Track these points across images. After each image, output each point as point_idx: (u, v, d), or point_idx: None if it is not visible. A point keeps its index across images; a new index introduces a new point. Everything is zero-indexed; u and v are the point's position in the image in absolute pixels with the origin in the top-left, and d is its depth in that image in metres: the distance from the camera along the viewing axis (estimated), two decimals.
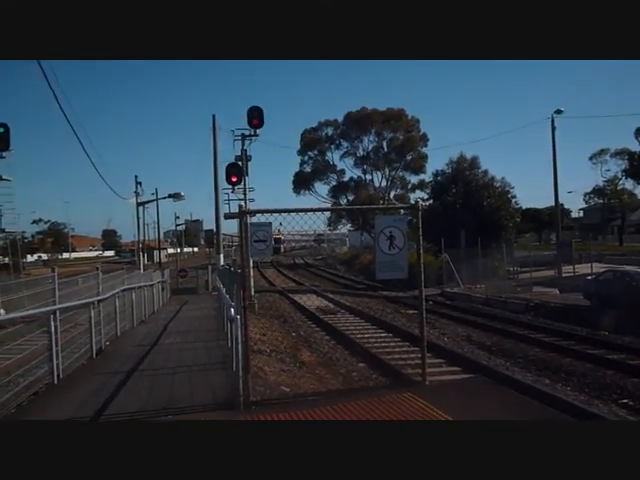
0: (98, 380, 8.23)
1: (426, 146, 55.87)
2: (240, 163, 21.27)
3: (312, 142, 58.26)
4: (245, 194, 21.01)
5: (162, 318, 17.63)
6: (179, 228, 71.69)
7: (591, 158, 59.56)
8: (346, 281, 38.00)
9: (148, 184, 38.22)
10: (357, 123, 55.31)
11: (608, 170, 58.47)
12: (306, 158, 59.27)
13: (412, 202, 43.83)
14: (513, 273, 28.07)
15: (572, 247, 29.82)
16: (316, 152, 58.93)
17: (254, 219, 6.46)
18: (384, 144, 56.47)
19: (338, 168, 59.11)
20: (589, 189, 62.30)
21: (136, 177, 36.84)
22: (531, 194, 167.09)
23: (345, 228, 68.78)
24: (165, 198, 36.99)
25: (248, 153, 21.52)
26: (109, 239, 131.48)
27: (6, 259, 32.51)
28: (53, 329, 8.10)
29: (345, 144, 57.77)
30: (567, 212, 63.69)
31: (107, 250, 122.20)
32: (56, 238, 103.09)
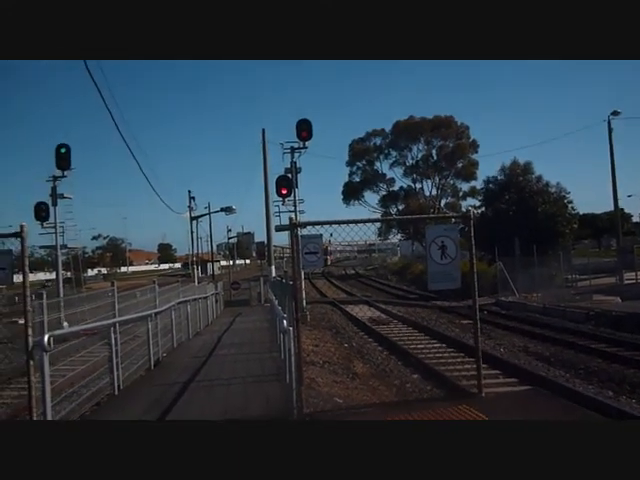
0: (156, 391, 8.44)
1: (476, 152, 55.12)
2: (290, 175, 21.50)
3: (361, 152, 58.36)
4: (295, 206, 21.20)
5: (216, 330, 17.94)
6: (231, 241, 72.95)
7: None
8: (398, 291, 37.67)
9: (201, 198, 39.31)
10: (405, 132, 55.08)
11: None
12: (355, 168, 59.46)
13: (463, 210, 43.01)
14: (571, 281, 27.15)
15: (634, 253, 28.62)
16: (364, 162, 58.99)
17: (304, 231, 6.51)
18: (433, 152, 56.00)
19: (387, 177, 59.01)
20: None
21: (189, 192, 37.84)
22: (589, 199, 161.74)
23: (396, 238, 68.34)
24: (217, 212, 37.85)
25: (297, 165, 21.75)
26: (164, 253, 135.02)
27: (68, 274, 33.91)
28: (113, 341, 8.38)
29: (394, 153, 57.69)
30: (627, 217, 61.08)
31: (163, 263, 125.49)
32: (114, 253, 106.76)
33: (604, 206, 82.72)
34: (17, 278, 6.39)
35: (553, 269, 26.42)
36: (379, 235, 61.62)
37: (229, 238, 66.31)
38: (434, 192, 57.33)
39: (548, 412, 5.86)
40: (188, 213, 36.50)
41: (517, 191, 32.86)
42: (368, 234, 7.30)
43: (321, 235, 6.35)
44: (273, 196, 23.20)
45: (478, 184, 49.79)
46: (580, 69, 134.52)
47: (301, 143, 21.12)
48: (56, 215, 21.96)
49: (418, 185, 57.94)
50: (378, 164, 58.94)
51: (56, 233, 22.10)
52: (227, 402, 7.43)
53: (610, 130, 30.33)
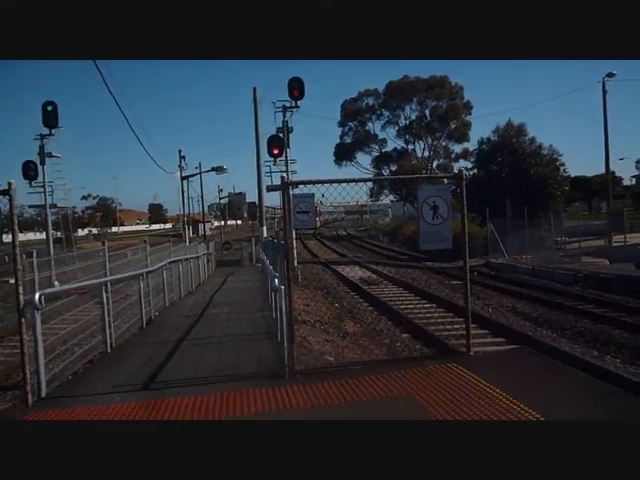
0: (149, 349, 8.51)
1: (470, 114, 54.58)
2: (282, 135, 21.25)
3: (353, 112, 57.59)
4: (287, 166, 21.03)
5: (208, 289, 18.02)
6: (222, 201, 72.61)
7: None
8: (389, 252, 37.83)
9: (192, 158, 39.12)
10: (399, 92, 54.29)
11: None
12: (347, 129, 58.72)
13: (456, 171, 43.24)
14: (561, 243, 27.35)
15: (624, 216, 28.78)
16: (357, 122, 58.26)
17: (297, 190, 6.47)
18: (427, 113, 55.40)
19: (380, 138, 58.44)
20: None
21: (180, 151, 37.48)
22: (580, 162, 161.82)
23: (387, 199, 68.23)
24: (208, 171, 37.56)
25: (289, 125, 21.47)
26: (155, 213, 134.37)
27: (58, 233, 33.70)
28: (105, 300, 8.40)
29: (386, 114, 56.90)
30: (618, 180, 61.18)
31: (154, 224, 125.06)
32: (105, 213, 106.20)
33: (596, 169, 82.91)
34: (6, 238, 6.35)
35: (543, 231, 26.56)
36: (371, 196, 61.51)
37: (220, 198, 65.96)
38: (427, 153, 57.01)
39: (534, 371, 5.97)
40: (179, 173, 36.21)
41: (510, 153, 32.72)
42: (360, 194, 7.27)
43: (313, 194, 6.32)
44: (265, 156, 22.97)
45: (471, 146, 49.66)
46: None
47: (293, 102, 20.81)
48: (45, 174, 21.73)
49: (411, 146, 57.55)
50: (370, 125, 58.35)
51: (44, 192, 21.90)
52: (220, 360, 7.52)
53: (604, 92, 30.13)
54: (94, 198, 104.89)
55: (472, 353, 6.92)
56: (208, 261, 25.13)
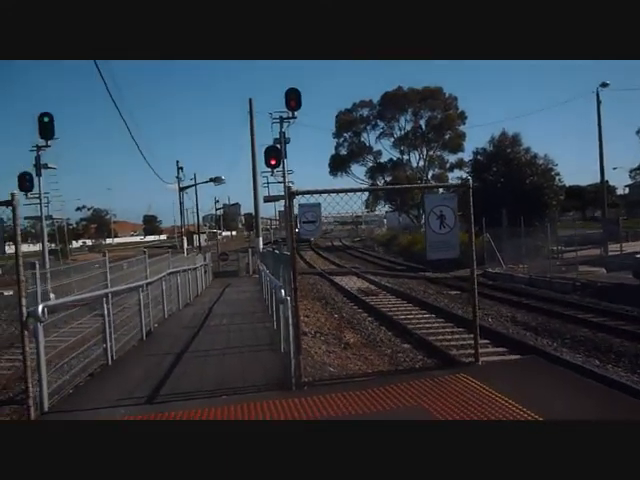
0: (150, 361, 8.42)
1: (464, 124, 54.98)
2: (279, 146, 21.28)
3: (347, 123, 57.84)
4: (284, 176, 21.04)
5: (207, 300, 17.90)
6: (218, 212, 72.51)
7: (638, 132, 57.42)
8: (386, 262, 37.83)
9: (187, 169, 38.91)
10: (393, 103, 54.61)
11: None
12: (341, 140, 58.99)
13: (451, 181, 43.04)
14: (557, 252, 27.39)
15: (619, 224, 28.90)
16: (351, 134, 58.49)
17: (302, 200, 6.42)
18: (421, 123, 55.70)
19: (375, 149, 58.67)
20: (635, 165, 60.22)
21: (177, 162, 37.52)
22: (574, 171, 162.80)
23: (383, 209, 68.36)
24: (206, 182, 37.46)
25: (286, 135, 21.51)
26: (150, 224, 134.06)
27: (53, 245, 33.50)
28: (106, 312, 8.30)
29: (381, 124, 57.21)
30: (612, 189, 61.67)
31: (148, 235, 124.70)
32: (99, 224, 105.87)
33: (590, 178, 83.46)
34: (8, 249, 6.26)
35: (539, 240, 26.60)
36: (366, 207, 61.62)
37: (217, 209, 65.82)
38: (421, 164, 57.23)
39: (546, 380, 5.91)
40: (176, 184, 36.18)
41: (505, 163, 32.87)
42: (358, 204, 7.25)
43: (319, 204, 6.28)
44: (261, 167, 23.00)
45: (465, 156, 49.89)
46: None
47: (290, 113, 20.87)
48: (40, 185, 21.63)
49: (405, 157, 57.77)
50: (365, 135, 58.56)
51: (40, 204, 21.81)
52: (224, 372, 7.42)
53: (599, 102, 30.33)
54: (88, 209, 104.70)
55: (480, 363, 6.87)
56: (205, 272, 25.02)
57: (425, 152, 56.61)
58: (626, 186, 69.13)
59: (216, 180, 34.90)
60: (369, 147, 58.49)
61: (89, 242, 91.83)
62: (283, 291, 6.53)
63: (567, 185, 40.12)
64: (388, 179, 56.40)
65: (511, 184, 31.04)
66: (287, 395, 5.84)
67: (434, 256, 6.67)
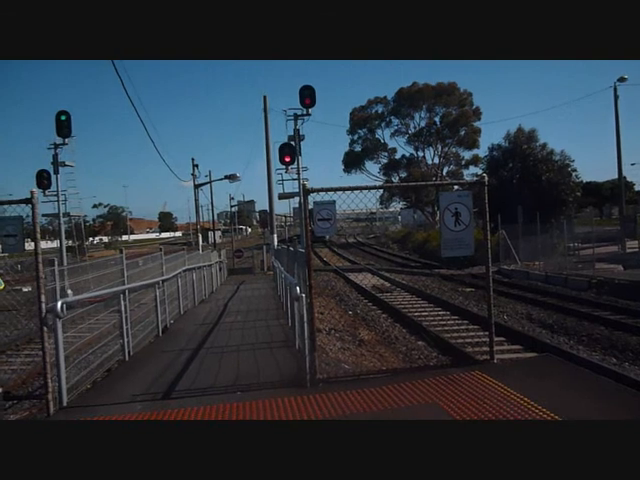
0: (166, 357, 8.49)
1: (479, 120, 54.39)
2: (293, 143, 21.28)
3: (362, 120, 57.57)
4: (299, 173, 21.04)
5: (221, 297, 18.02)
6: (233, 209, 72.79)
7: None
8: (400, 259, 37.73)
9: (201, 166, 39.09)
10: (408, 99, 54.27)
11: None
12: (356, 137, 58.65)
13: (466, 178, 42.71)
14: (574, 249, 27.13)
15: (636, 221, 28.52)
16: (366, 130, 58.27)
17: (317, 197, 6.43)
18: (436, 120, 55.36)
19: (389, 146, 58.35)
20: None
21: (193, 160, 37.64)
22: (591, 167, 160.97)
23: (398, 206, 68.07)
24: (221, 180, 37.57)
25: (301, 133, 21.49)
26: (165, 221, 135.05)
27: (70, 242, 33.86)
28: (123, 308, 8.39)
29: (396, 121, 56.86)
30: (630, 185, 60.75)
31: (163, 232, 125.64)
32: (115, 221, 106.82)
33: (607, 174, 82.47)
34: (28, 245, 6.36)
35: (555, 237, 26.36)
36: (381, 203, 61.34)
37: (232, 206, 66.06)
38: (436, 160, 56.89)
39: (561, 378, 5.87)
40: (192, 181, 36.35)
41: (521, 159, 32.56)
42: (372, 202, 7.24)
43: (334, 202, 6.28)
44: (276, 164, 23.04)
45: (480, 152, 49.47)
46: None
47: (304, 110, 20.85)
48: (58, 183, 21.86)
49: (420, 153, 57.43)
50: (380, 132, 58.33)
51: (58, 201, 22.03)
52: (239, 369, 7.46)
53: (616, 97, 29.94)
54: (105, 207, 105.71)
55: (495, 361, 6.84)
56: (220, 269, 25.15)
57: (440, 149, 56.25)
58: None
59: (231, 177, 35.00)
60: (384, 144, 58.19)
61: (105, 239, 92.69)
62: (298, 288, 6.55)
63: (584, 181, 39.67)
64: (402, 176, 56.13)
65: (527, 181, 30.75)
66: (302, 392, 5.86)
67: (449, 254, 6.65)
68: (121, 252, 9.02)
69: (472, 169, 53.79)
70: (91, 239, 79.00)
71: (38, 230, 5.78)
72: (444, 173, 55.44)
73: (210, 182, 39.90)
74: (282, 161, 21.28)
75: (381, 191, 53.22)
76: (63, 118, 21.08)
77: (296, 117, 21.20)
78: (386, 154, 58.40)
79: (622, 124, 30.22)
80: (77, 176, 24.02)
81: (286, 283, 10.70)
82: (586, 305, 15.42)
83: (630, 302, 15.40)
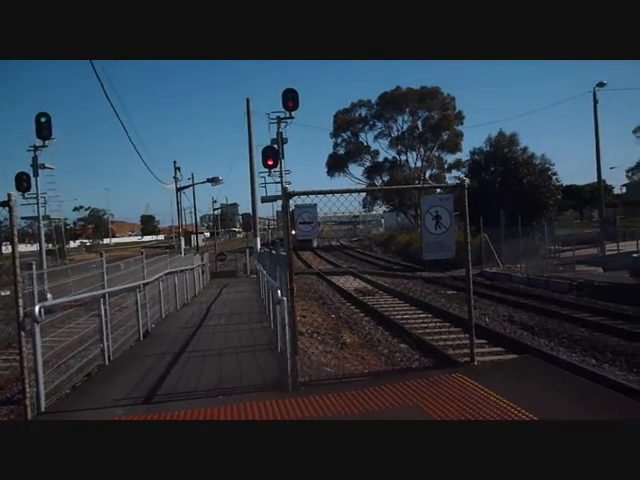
0: (148, 361, 8.42)
1: (462, 124, 54.91)
2: (276, 146, 21.29)
3: (345, 123, 57.78)
4: (282, 176, 21.05)
5: (204, 301, 17.92)
6: (216, 212, 72.44)
7: (635, 131, 57.60)
8: (383, 262, 37.86)
9: (184, 169, 38.92)
10: (391, 103, 54.60)
11: None
12: (339, 140, 58.87)
13: (448, 182, 43.02)
14: (554, 252, 27.44)
15: (616, 224, 28.98)
16: (349, 133, 58.46)
17: (299, 201, 6.44)
18: (419, 123, 55.70)
19: (372, 149, 58.62)
20: (632, 164, 60.32)
21: (175, 162, 37.50)
22: (571, 170, 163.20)
23: (381, 209, 68.30)
24: (203, 183, 37.43)
25: (284, 136, 21.52)
26: (147, 224, 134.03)
27: (50, 245, 33.41)
28: (103, 312, 8.31)
29: (379, 125, 57.17)
30: (609, 188, 61.75)
31: (145, 235, 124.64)
32: (97, 224, 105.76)
33: (587, 178, 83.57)
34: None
35: (537, 240, 26.65)
36: (364, 206, 61.56)
37: (214, 209, 65.74)
38: (419, 164, 57.21)
39: (541, 380, 5.93)
40: (174, 184, 36.15)
41: (502, 162, 32.89)
42: (354, 205, 7.25)
43: (316, 205, 6.29)
44: (259, 167, 23.02)
45: (463, 156, 49.89)
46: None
47: (287, 113, 20.88)
48: (38, 185, 21.61)
49: (403, 157, 57.73)
50: (363, 135, 58.56)
51: (38, 204, 21.77)
52: (221, 372, 7.43)
53: (595, 102, 30.42)
54: (86, 209, 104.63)
55: (476, 363, 6.89)
56: (203, 272, 25.01)
57: (423, 152, 56.62)
58: (623, 185, 69.33)
59: (213, 180, 34.85)
60: (367, 147, 58.48)
61: (87, 242, 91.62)
62: (279, 292, 6.53)
63: (564, 185, 40.21)
64: (386, 179, 56.36)
65: (508, 184, 31.07)
66: (284, 395, 5.86)
67: (430, 256, 6.69)
68: (101, 255, 8.94)
69: (455, 173, 54.37)
70: (72, 242, 78.03)
71: (15, 233, 5.70)
72: (427, 176, 55.81)
73: (193, 185, 39.70)
74: (265, 164, 21.29)
75: (364, 194, 53.47)
76: (43, 120, 20.86)
77: (279, 120, 21.23)
78: (369, 157, 58.67)
79: (602, 128, 30.72)
80: (57, 178, 23.79)
81: (268, 286, 10.67)
82: (567, 307, 15.60)
83: (610, 304, 15.62)
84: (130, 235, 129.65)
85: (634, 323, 12.71)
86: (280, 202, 22.97)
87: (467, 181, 6.88)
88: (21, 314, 5.77)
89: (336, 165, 58.87)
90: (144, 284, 10.93)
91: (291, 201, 6.26)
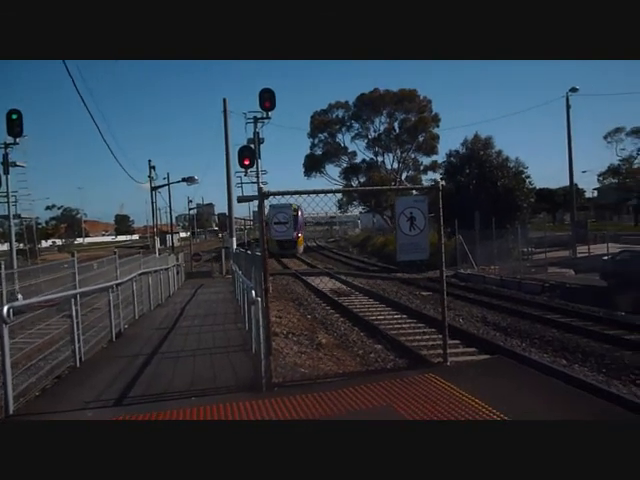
0: (120, 363, 8.31)
1: (438, 127, 55.29)
2: (252, 146, 21.21)
3: (322, 124, 57.82)
4: (258, 177, 20.98)
5: (179, 301, 17.74)
6: (192, 212, 71.85)
7: (606, 137, 58.76)
8: (359, 263, 37.96)
9: (160, 169, 38.54)
10: (369, 104, 54.81)
11: (623, 149, 57.73)
12: (316, 141, 58.86)
13: (424, 183, 43.32)
14: (528, 254, 27.84)
15: (587, 227, 29.50)
16: (326, 134, 58.51)
17: (273, 201, 6.42)
18: (396, 125, 56.03)
19: (349, 150, 58.76)
20: (604, 169, 61.52)
21: (149, 161, 37.03)
22: (544, 174, 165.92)
23: (357, 210, 68.50)
24: (179, 182, 37.05)
25: (260, 136, 21.45)
26: (122, 224, 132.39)
27: (21, 245, 32.78)
28: (74, 313, 8.17)
29: (356, 126, 57.33)
30: (581, 192, 62.95)
31: (120, 235, 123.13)
32: (70, 224, 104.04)
33: (559, 181, 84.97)
34: None
35: (510, 242, 27.00)
36: (340, 207, 61.67)
37: (190, 209, 65.17)
38: (395, 165, 57.54)
39: (512, 380, 6.01)
40: (148, 183, 35.74)
41: (478, 165, 33.24)
42: (329, 205, 7.25)
43: (291, 205, 6.28)
44: (235, 167, 22.89)
45: (439, 158, 50.32)
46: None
47: (264, 113, 20.82)
48: (8, 184, 21.14)
49: (380, 158, 57.99)
50: (340, 136, 58.68)
51: (8, 202, 21.30)
52: (194, 373, 7.37)
53: (568, 107, 30.91)
54: (58, 208, 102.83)
55: (449, 363, 6.95)
56: (178, 272, 24.77)
57: (399, 154, 56.95)
58: (594, 189, 70.70)
59: (189, 180, 34.53)
60: (344, 148, 58.57)
61: (59, 242, 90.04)
62: (254, 292, 6.50)
63: (537, 188, 40.80)
64: (362, 180, 56.55)
65: (484, 186, 31.40)
66: (257, 396, 5.83)
67: (404, 257, 6.73)
68: (73, 255, 8.79)
69: (431, 175, 54.82)
70: (44, 242, 76.62)
71: None
72: (403, 178, 56.16)
73: (168, 184, 39.31)
74: (241, 164, 21.19)
75: (340, 195, 53.55)
76: (14, 117, 20.40)
77: (256, 120, 21.16)
78: (346, 158, 58.81)
79: (574, 133, 31.25)
80: (29, 177, 23.24)
81: (243, 287, 10.62)
82: (539, 308, 15.83)
83: (580, 305, 15.90)
84: (104, 235, 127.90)
85: (604, 324, 12.97)
86: (257, 202, 22.87)
87: (442, 183, 6.90)
88: None
89: (313, 166, 58.86)
90: (117, 284, 10.79)
91: (266, 201, 6.24)
